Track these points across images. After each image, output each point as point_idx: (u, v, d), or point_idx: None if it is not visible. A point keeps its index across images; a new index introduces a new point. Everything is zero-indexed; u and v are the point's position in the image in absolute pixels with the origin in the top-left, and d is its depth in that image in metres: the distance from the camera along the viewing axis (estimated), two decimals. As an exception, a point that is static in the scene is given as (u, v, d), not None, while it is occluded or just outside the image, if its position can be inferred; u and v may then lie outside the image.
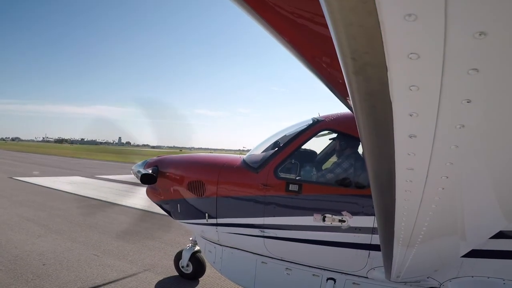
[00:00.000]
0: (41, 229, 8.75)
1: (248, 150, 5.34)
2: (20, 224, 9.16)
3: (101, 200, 13.56)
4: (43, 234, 8.30)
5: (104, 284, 5.62)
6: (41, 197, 13.51)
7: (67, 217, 10.24)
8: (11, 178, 19.63)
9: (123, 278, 5.90)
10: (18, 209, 11.11)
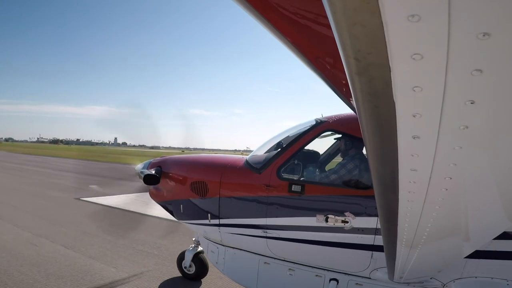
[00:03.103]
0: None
1: (250, 151, 5.35)
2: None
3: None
4: None
5: None
6: (170, 241, 8.29)
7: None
8: (78, 199, 14.06)
9: None
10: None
